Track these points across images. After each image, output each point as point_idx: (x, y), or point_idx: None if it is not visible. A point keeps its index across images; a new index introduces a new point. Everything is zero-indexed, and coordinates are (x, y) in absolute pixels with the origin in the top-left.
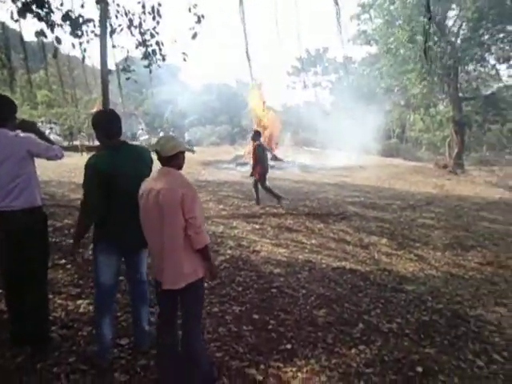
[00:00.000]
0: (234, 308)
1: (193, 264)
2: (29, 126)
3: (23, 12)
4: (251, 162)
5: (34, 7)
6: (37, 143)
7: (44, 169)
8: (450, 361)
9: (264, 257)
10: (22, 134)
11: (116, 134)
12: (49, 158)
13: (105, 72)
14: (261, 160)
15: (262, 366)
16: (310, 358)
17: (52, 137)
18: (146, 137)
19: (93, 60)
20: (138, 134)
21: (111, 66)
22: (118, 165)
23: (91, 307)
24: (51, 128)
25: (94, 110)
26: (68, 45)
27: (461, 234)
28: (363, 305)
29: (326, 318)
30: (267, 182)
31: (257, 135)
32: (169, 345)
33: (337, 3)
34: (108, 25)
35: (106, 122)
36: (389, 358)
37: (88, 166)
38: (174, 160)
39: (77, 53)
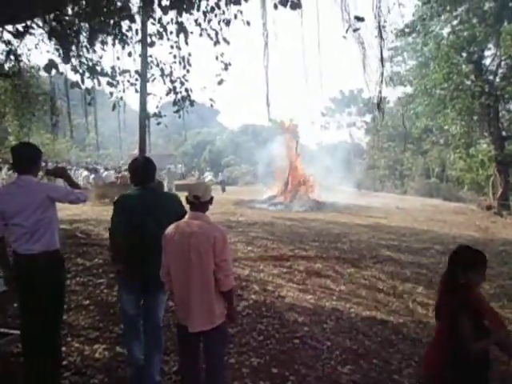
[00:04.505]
0: (253, 360)
1: (221, 306)
2: (59, 172)
3: (49, 68)
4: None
5: (59, 62)
6: (56, 189)
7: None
8: None
9: (289, 303)
10: (43, 181)
11: (144, 181)
12: (71, 202)
13: (143, 117)
14: None
15: None
16: None
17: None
18: (210, 177)
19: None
20: (205, 175)
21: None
22: (139, 206)
23: (107, 353)
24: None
25: (135, 151)
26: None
27: (507, 283)
28: (394, 362)
29: (351, 376)
30: None
31: None
32: None
33: (363, 47)
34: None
35: (136, 170)
36: None
37: (115, 202)
38: (207, 204)
39: (125, 100)
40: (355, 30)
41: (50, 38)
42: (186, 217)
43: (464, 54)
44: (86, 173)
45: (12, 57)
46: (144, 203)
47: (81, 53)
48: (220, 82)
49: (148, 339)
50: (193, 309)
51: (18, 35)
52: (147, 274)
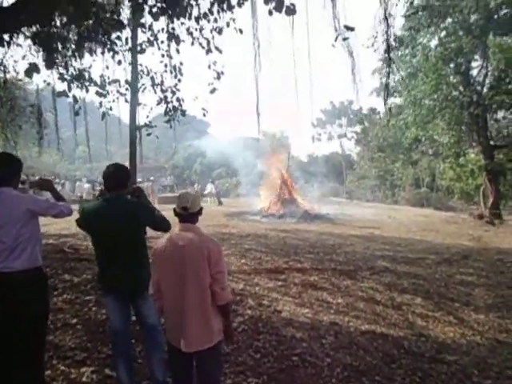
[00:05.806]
0: (250, 380)
1: (218, 322)
2: (45, 184)
3: (30, 72)
4: None
5: (43, 66)
6: (37, 202)
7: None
8: None
9: (286, 318)
10: (23, 194)
11: (114, 188)
12: (54, 216)
13: (133, 128)
14: None
15: None
16: None
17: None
18: (210, 189)
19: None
20: (207, 186)
21: (142, 121)
22: (99, 215)
23: (95, 376)
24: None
25: (126, 163)
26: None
27: (506, 293)
28: (397, 378)
29: None
30: None
31: None
32: None
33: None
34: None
35: (107, 177)
36: None
37: (80, 210)
38: (197, 215)
39: (116, 111)
40: (345, 39)
41: (33, 42)
42: (177, 229)
43: (452, 65)
44: (87, 185)
45: None
46: (103, 215)
47: (68, 61)
48: (212, 91)
49: (145, 342)
50: (188, 327)
51: (2, 44)
52: (121, 284)
